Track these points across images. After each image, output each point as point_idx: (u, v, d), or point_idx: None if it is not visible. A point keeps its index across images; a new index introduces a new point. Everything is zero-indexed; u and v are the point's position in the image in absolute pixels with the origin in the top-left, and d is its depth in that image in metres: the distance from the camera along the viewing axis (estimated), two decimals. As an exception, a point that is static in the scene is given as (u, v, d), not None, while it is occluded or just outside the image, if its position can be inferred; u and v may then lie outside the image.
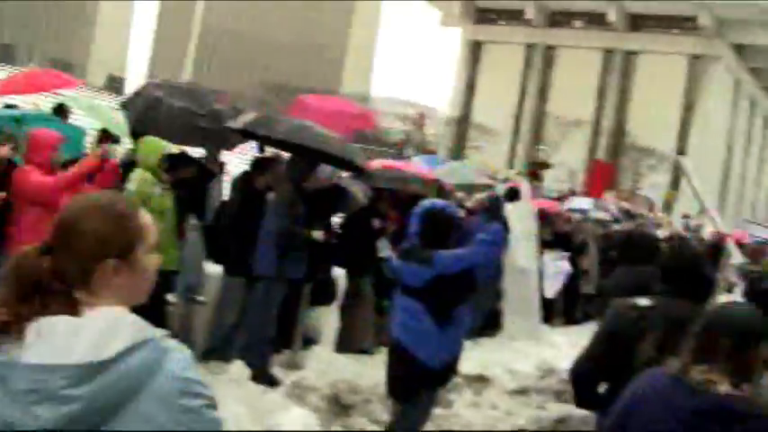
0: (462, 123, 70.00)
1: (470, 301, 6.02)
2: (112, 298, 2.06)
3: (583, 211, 16.98)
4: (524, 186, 13.47)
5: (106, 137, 9.90)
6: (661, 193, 29.24)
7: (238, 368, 7.75)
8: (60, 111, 10.52)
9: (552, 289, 12.96)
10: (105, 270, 2.05)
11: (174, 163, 8.83)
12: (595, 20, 64.99)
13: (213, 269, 9.25)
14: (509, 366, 9.58)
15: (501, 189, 14.62)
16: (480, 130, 67.78)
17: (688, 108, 66.21)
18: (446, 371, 5.87)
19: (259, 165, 8.86)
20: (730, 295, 12.25)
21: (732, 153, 70.70)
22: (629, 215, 20.10)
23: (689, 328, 3.21)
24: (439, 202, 6.38)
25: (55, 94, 12.82)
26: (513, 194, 12.16)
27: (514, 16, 67.26)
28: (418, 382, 5.73)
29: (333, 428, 7.20)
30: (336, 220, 10.26)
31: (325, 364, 8.16)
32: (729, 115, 69.05)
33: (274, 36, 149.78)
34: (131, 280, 2.11)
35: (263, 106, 51.68)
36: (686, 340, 3.20)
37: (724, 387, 3.02)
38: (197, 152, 10.93)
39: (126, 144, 8.98)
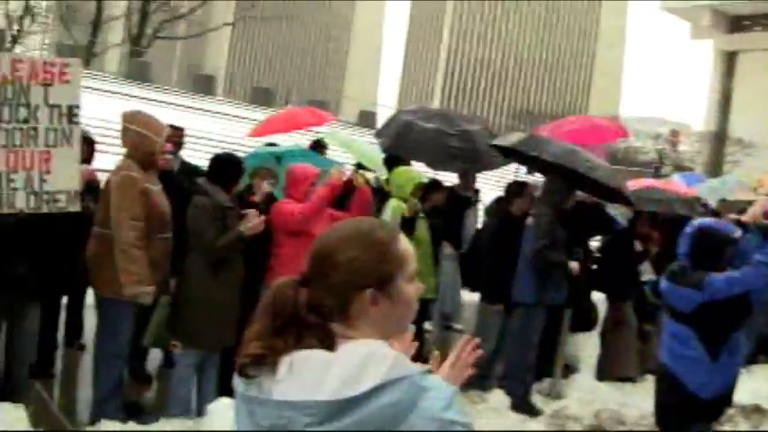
0: (718, 138, 67.06)
1: (745, 327, 5.60)
2: (371, 330, 1.99)
3: None
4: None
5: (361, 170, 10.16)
6: None
7: (498, 397, 7.65)
8: (318, 146, 10.89)
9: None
10: (363, 301, 1.97)
11: (427, 190, 8.94)
12: None
13: (469, 297, 9.26)
14: (789, 397, 8.91)
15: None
16: (738, 144, 64.71)
17: None
18: (719, 402, 5.47)
19: (515, 189, 8.75)
20: None
21: None
22: None
23: None
24: (711, 220, 5.92)
25: (310, 131, 13.37)
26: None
27: (772, 21, 63.95)
28: (689, 414, 5.38)
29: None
30: (595, 243, 10.01)
31: (588, 393, 7.91)
32: None
33: (520, 61, 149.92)
34: (391, 310, 2.01)
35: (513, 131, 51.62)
36: None
37: None
38: (450, 180, 11.02)
39: (381, 175, 9.13)
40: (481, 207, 10.69)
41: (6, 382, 5.91)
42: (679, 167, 48.01)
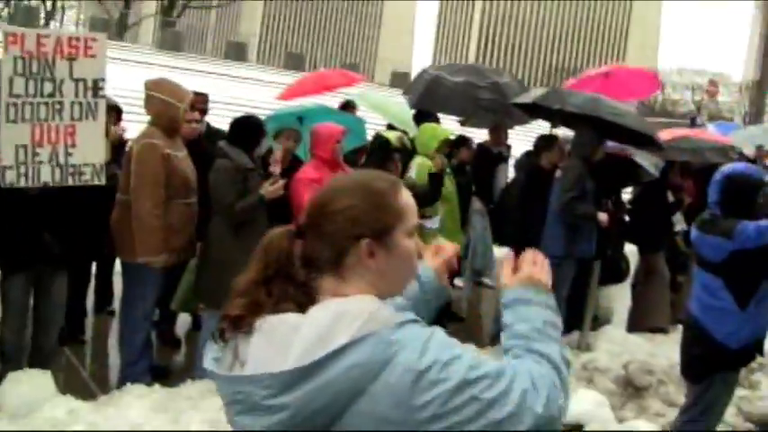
0: (759, 87, 66.04)
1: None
2: (364, 284, 1.91)
3: None
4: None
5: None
6: None
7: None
8: (347, 107, 10.88)
9: None
10: (359, 251, 1.90)
11: (455, 147, 8.92)
12: None
13: (501, 252, 9.25)
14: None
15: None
16: (779, 93, 63.77)
17: None
18: (747, 352, 5.42)
19: (543, 143, 8.70)
20: None
21: None
22: None
23: None
24: (741, 165, 5.76)
25: (341, 93, 13.31)
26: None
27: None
28: (715, 363, 5.34)
29: (625, 411, 6.94)
30: (628, 196, 9.93)
31: (618, 345, 7.87)
32: None
33: (556, 17, 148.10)
34: (389, 264, 1.94)
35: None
36: None
37: None
38: (478, 136, 10.99)
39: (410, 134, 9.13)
40: (512, 162, 10.67)
41: (35, 350, 6.02)
42: (718, 118, 47.36)
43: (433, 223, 7.71)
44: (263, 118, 7.20)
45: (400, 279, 2.01)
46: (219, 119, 8.82)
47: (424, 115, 9.41)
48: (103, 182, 5.99)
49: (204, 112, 8.17)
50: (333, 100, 11.62)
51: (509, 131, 10.84)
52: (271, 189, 6.26)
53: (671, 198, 9.28)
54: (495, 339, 8.08)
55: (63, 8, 46.85)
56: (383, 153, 7.39)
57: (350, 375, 1.70)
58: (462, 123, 11.68)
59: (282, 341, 1.78)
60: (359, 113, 10.80)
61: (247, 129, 6.55)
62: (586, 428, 6.36)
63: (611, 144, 8.62)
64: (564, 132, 9.26)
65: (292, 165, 7.15)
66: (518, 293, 2.15)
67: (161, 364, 6.92)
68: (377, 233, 1.92)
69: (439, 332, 1.83)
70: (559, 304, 7.81)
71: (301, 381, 1.71)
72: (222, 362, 1.90)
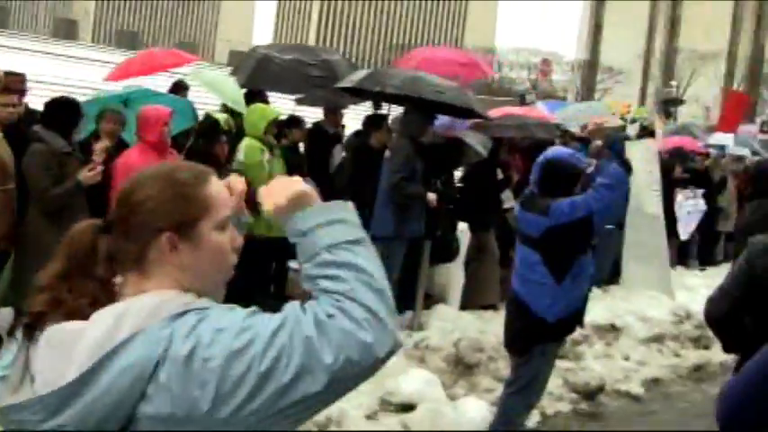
0: (590, 67, 68.56)
1: (592, 251, 5.72)
2: (168, 280, 1.78)
3: (721, 147, 16.20)
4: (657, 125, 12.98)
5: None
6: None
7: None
8: (178, 88, 10.58)
9: (686, 229, 12.41)
10: (160, 246, 1.78)
11: (288, 127, 8.83)
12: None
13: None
14: (642, 314, 9.20)
15: (632, 129, 14.14)
16: (609, 71, 66.33)
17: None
18: (565, 325, 5.60)
19: (372, 122, 8.69)
20: None
21: None
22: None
23: None
24: (562, 149, 6.06)
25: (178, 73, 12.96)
26: (643, 135, 11.70)
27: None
28: (534, 336, 5.50)
29: (456, 389, 7.04)
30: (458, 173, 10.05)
31: (450, 323, 7.97)
32: None
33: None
34: (195, 259, 1.80)
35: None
36: None
37: None
38: (314, 116, 10.92)
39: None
40: (345, 143, 10.64)
41: None
42: (552, 96, 49.03)
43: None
44: (82, 100, 6.92)
45: (211, 274, 1.86)
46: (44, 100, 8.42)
47: (253, 95, 9.26)
48: None
49: (22, 93, 7.77)
50: (169, 81, 11.32)
51: (343, 111, 10.82)
52: (89, 175, 6.02)
53: (500, 175, 9.43)
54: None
55: None
56: (211, 135, 7.23)
57: (122, 381, 1.58)
58: (299, 102, 11.61)
59: (66, 350, 1.65)
60: (193, 95, 10.54)
61: (62, 110, 6.31)
62: (418, 407, 6.41)
63: (440, 124, 8.70)
64: (397, 112, 9.30)
65: (119, 149, 6.89)
66: (290, 229, 1.83)
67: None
68: (179, 226, 1.79)
69: (215, 311, 1.70)
70: (391, 285, 7.87)
71: (72, 397, 1.58)
72: (8, 380, 1.72)
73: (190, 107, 8.54)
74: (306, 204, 1.84)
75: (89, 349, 1.62)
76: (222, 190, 1.89)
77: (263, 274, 8.21)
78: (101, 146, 6.38)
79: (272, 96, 10.12)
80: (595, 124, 6.06)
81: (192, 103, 8.95)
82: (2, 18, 38.61)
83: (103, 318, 1.67)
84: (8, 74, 6.68)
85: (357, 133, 9.48)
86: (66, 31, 41.81)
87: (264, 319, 1.65)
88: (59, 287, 1.79)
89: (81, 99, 7.20)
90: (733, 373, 4.12)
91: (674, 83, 53.57)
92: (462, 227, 9.38)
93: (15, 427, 1.64)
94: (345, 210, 1.84)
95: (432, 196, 7.86)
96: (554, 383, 7.32)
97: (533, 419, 6.73)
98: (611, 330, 8.83)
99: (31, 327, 1.75)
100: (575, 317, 5.65)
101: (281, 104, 11.47)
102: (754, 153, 16.85)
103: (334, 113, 10.49)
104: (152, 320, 1.64)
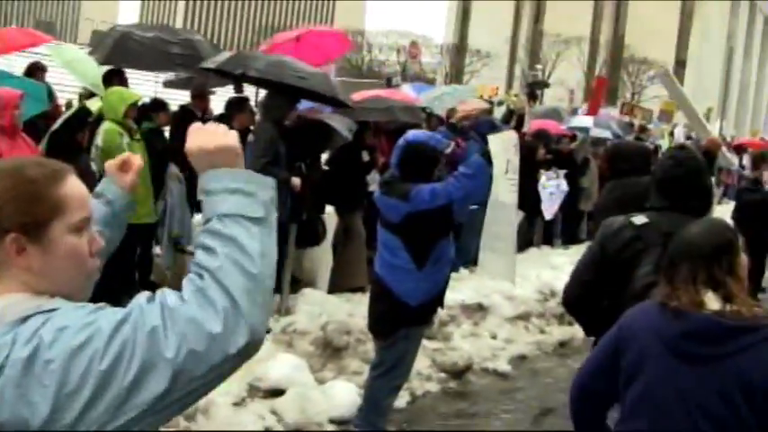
0: (458, 50, 69.43)
1: (452, 235, 5.77)
2: (17, 284, 1.66)
3: (584, 130, 16.62)
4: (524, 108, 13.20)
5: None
6: (661, 105, 28.72)
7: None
8: (35, 70, 10.16)
9: (550, 210, 12.69)
10: (5, 248, 1.65)
11: (152, 111, 8.62)
12: (587, -68, 64.27)
13: (198, 218, 9.03)
14: (508, 293, 9.37)
15: (499, 112, 14.34)
16: (477, 55, 67.31)
17: (687, 15, 65.50)
18: (426, 308, 5.62)
19: (234, 105, 8.55)
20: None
21: (732, 58, 70.02)
22: (630, 128, 19.84)
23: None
24: (422, 133, 6.05)
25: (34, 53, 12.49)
26: (510, 118, 11.86)
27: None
28: (397, 320, 5.50)
29: (324, 372, 7.01)
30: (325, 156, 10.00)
31: (317, 306, 7.92)
32: (728, 19, 68.19)
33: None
34: (47, 263, 1.68)
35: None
36: (666, 265, 3.01)
37: (715, 306, 2.82)
38: (181, 99, 10.69)
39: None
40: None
41: None
42: (421, 79, 49.48)
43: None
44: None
45: (65, 279, 1.72)
46: None
47: (112, 77, 9.00)
48: None
49: None
50: (26, 61, 10.90)
51: (211, 97, 10.65)
52: None
53: (366, 158, 9.43)
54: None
55: None
56: (80, 124, 7.01)
57: None
58: (166, 85, 11.35)
59: None
60: (51, 78, 10.17)
61: None
62: (287, 392, 6.36)
63: (304, 107, 8.62)
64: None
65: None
66: (201, 182, 1.73)
67: None
68: (27, 227, 1.66)
69: (62, 310, 1.58)
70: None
71: None
72: None
73: (44, 90, 8.23)
74: (227, 163, 1.72)
75: None
76: (79, 190, 1.76)
77: (127, 260, 7.99)
78: None
79: (138, 79, 9.87)
80: (464, 111, 6.08)
81: (49, 86, 8.63)
82: None
83: None
84: None
85: (220, 117, 9.32)
86: None
87: (108, 314, 1.55)
88: None
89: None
90: (590, 351, 4.22)
91: (539, 66, 54.76)
92: (329, 210, 9.35)
93: None
94: (260, 185, 1.71)
95: (296, 180, 7.78)
96: (422, 364, 7.38)
97: (403, 400, 6.78)
98: (478, 310, 8.95)
99: None
100: (437, 300, 5.68)
101: (148, 88, 11.22)
102: (616, 136, 17.34)
103: (201, 97, 10.32)
104: None
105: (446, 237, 5.55)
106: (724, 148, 9.69)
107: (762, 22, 75.82)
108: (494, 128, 6.47)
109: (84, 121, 7.08)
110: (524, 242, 12.35)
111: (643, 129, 20.20)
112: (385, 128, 10.09)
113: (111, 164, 2.37)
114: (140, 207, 6.99)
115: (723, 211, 12.51)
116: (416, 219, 5.29)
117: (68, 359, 1.48)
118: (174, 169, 9.28)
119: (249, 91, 9.74)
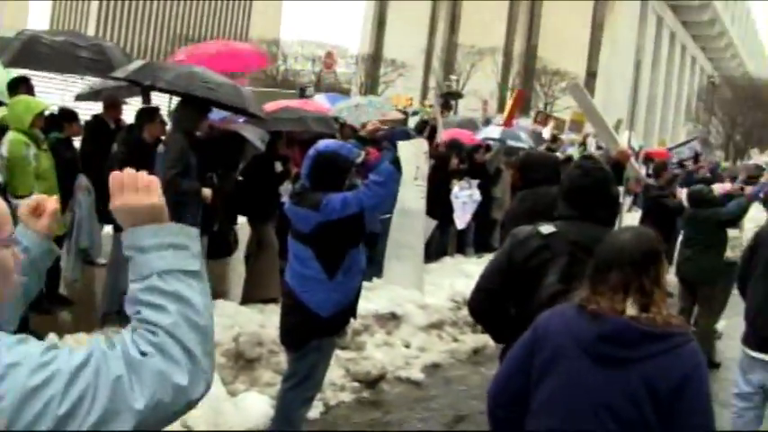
0: (373, 60, 69.66)
1: (362, 245, 5.75)
2: None
3: (497, 140, 16.82)
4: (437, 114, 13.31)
5: None
6: (572, 115, 29.24)
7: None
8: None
9: (462, 219, 12.81)
10: None
11: (63, 120, 8.48)
12: (500, -54, 65.16)
13: (108, 230, 8.90)
14: (421, 302, 9.42)
15: (413, 122, 14.42)
16: (392, 65, 67.58)
17: (598, 28, 66.86)
18: (338, 318, 5.61)
19: (144, 115, 8.44)
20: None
21: (640, 70, 71.74)
22: (541, 139, 20.16)
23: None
24: (333, 142, 5.96)
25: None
26: (423, 127, 11.93)
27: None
28: (309, 331, 5.47)
29: (236, 384, 6.96)
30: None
31: (229, 318, 7.84)
32: (637, 32, 69.86)
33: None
34: None
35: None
36: (588, 270, 3.08)
37: (631, 312, 2.92)
38: (86, 111, 10.51)
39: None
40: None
41: None
42: (336, 89, 49.48)
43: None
44: None
45: None
46: None
47: (18, 85, 8.80)
48: None
49: None
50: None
51: (123, 107, 10.53)
52: None
53: (279, 168, 9.40)
54: (106, 320, 7.78)
55: None
56: None
57: None
58: (77, 99, 11.15)
59: None
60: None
61: None
62: (198, 405, 6.27)
63: (217, 117, 8.56)
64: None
65: None
66: (131, 238, 1.74)
67: None
68: None
69: (3, 341, 1.54)
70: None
71: None
72: None
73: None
74: (154, 218, 1.75)
75: None
76: (3, 205, 1.75)
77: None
78: None
79: (48, 87, 9.68)
80: (373, 125, 6.12)
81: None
82: None
83: None
84: None
85: (130, 127, 9.19)
86: None
87: (65, 355, 1.53)
88: None
89: None
90: (498, 359, 4.28)
91: (453, 77, 55.26)
92: (242, 221, 9.29)
93: None
94: (189, 237, 1.76)
95: (207, 191, 7.72)
96: (336, 373, 7.38)
97: (316, 410, 6.77)
98: (391, 319, 8.97)
99: None
100: (348, 310, 5.68)
101: (57, 98, 11.01)
102: (531, 147, 17.59)
103: (114, 107, 10.19)
104: None
105: (357, 246, 5.54)
106: (632, 159, 9.93)
107: (668, 36, 77.92)
108: (408, 137, 6.49)
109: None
110: (437, 251, 12.46)
111: (555, 138, 20.54)
112: (299, 138, 10.07)
113: (23, 209, 2.28)
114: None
115: (632, 219, 12.83)
116: (327, 228, 5.27)
117: (22, 399, 1.45)
118: (83, 180, 9.12)
119: (162, 100, 9.63)
